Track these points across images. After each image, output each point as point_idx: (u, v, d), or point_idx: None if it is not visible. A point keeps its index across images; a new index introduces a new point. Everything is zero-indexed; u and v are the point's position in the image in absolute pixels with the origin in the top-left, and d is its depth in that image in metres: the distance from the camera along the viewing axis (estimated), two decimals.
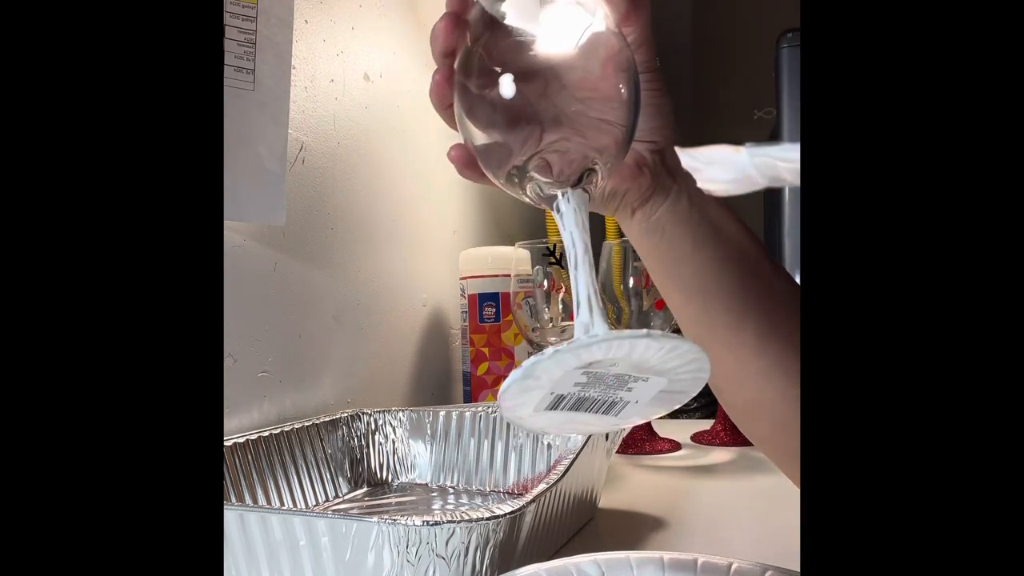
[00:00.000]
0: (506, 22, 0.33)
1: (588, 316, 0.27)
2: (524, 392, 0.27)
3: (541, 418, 0.29)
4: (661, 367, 0.27)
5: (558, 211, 0.30)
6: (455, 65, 0.34)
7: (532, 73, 0.31)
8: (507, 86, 0.31)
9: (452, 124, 0.37)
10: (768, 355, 0.40)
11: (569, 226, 0.30)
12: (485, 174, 0.35)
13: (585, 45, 0.32)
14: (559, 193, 0.30)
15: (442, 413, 0.68)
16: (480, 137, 0.33)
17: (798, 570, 0.26)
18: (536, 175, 0.31)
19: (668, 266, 0.42)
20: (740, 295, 0.41)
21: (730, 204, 0.42)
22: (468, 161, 0.36)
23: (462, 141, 0.36)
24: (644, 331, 0.25)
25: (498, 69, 0.31)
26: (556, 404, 0.28)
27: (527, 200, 0.33)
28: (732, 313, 0.40)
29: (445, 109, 0.36)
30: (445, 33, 0.35)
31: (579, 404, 0.28)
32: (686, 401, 0.29)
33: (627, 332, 0.25)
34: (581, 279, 0.28)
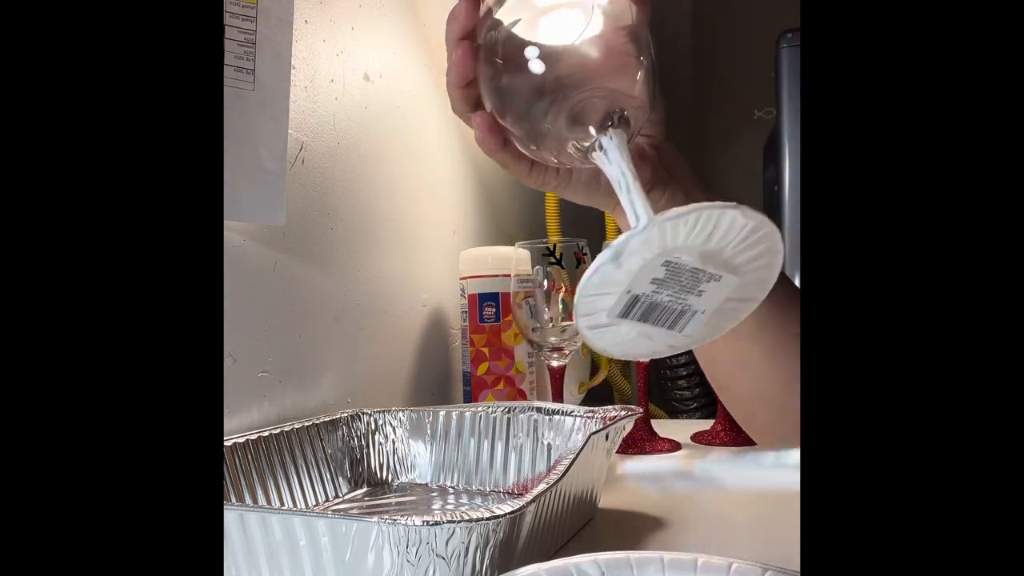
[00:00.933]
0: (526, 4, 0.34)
1: (644, 220, 0.28)
2: (604, 286, 0.27)
3: (611, 331, 0.29)
4: (734, 259, 0.27)
5: (601, 148, 0.31)
6: (480, 43, 0.34)
7: (557, 51, 0.33)
8: (535, 67, 0.32)
9: (461, 106, 0.38)
10: (765, 343, 0.41)
11: (615, 159, 0.31)
12: (503, 145, 0.37)
13: (607, 21, 0.33)
14: (600, 134, 0.32)
15: (442, 413, 0.68)
16: (513, 114, 0.34)
17: (798, 570, 0.26)
18: (572, 132, 0.32)
19: None
20: None
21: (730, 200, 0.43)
22: (491, 127, 0.37)
23: (465, 133, 0.37)
24: (734, 203, 0.26)
25: (524, 51, 0.33)
26: (629, 310, 0.28)
27: (566, 160, 0.34)
28: None
29: (462, 88, 0.37)
30: (466, 14, 0.35)
31: (649, 312, 0.29)
32: (751, 310, 0.29)
33: (717, 202, 0.26)
34: (638, 202, 0.29)
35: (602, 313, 0.28)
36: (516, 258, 0.81)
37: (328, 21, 0.77)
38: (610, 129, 0.31)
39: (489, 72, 0.35)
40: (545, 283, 0.78)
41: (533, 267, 0.79)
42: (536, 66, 0.33)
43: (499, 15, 0.34)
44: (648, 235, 0.26)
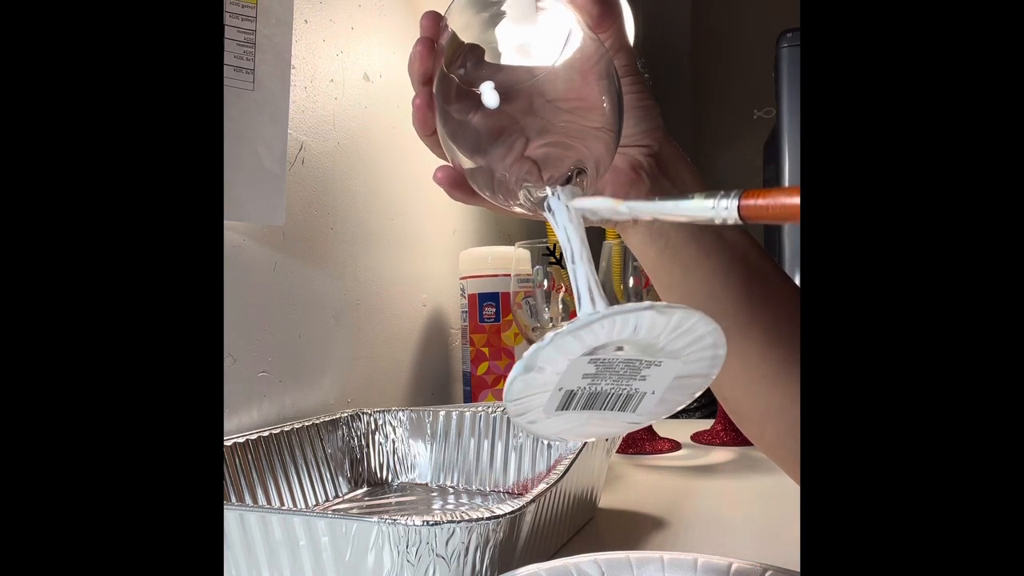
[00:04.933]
0: (480, 43, 0.33)
1: (590, 306, 0.26)
2: (529, 389, 0.25)
3: (553, 422, 0.27)
4: (672, 347, 0.25)
5: (549, 210, 0.29)
6: (433, 90, 0.33)
7: (512, 92, 0.31)
8: (489, 108, 0.31)
9: (436, 150, 0.37)
10: (774, 358, 0.40)
11: (562, 222, 0.29)
12: (473, 194, 0.35)
13: (563, 59, 0.32)
14: (548, 191, 0.29)
15: (442, 413, 0.68)
16: (468, 158, 0.32)
17: (798, 570, 0.26)
18: (526, 180, 0.30)
19: (674, 275, 0.41)
20: (746, 298, 0.40)
21: None
22: (455, 181, 0.37)
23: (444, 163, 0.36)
24: (647, 303, 0.24)
25: (478, 92, 0.31)
26: (567, 403, 0.26)
27: (520, 209, 0.32)
28: (740, 317, 0.40)
29: (429, 136, 0.36)
30: (422, 59, 0.34)
31: (592, 401, 0.27)
32: (707, 386, 0.27)
33: (629, 305, 0.24)
34: (580, 273, 0.27)
35: (537, 410, 0.26)
36: (516, 258, 0.81)
37: (328, 21, 0.77)
38: (558, 189, 0.29)
39: (440, 120, 0.33)
40: (545, 283, 0.78)
41: (533, 267, 0.79)
42: (483, 110, 0.31)
43: (447, 57, 0.33)
44: (561, 343, 0.24)
